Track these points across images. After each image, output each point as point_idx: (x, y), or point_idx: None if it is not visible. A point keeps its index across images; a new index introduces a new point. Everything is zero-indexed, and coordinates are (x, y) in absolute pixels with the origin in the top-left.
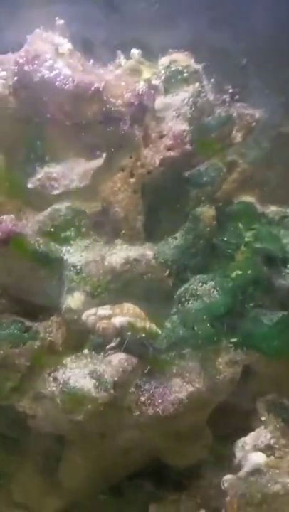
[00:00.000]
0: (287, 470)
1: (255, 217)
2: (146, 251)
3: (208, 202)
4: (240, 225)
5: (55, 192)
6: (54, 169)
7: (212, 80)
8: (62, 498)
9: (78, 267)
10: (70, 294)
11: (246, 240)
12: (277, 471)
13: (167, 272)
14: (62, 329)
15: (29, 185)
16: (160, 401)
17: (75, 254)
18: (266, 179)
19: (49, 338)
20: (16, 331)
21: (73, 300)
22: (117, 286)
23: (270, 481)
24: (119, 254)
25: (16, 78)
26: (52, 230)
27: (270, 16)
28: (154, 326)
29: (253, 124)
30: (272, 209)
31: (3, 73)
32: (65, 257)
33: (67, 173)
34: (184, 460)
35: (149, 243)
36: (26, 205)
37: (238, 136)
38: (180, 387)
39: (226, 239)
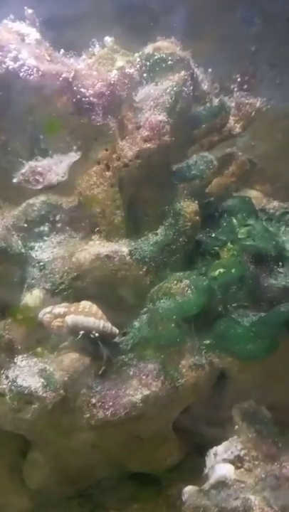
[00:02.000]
0: (252, 485)
1: (252, 213)
2: (121, 247)
3: (196, 196)
4: (235, 221)
5: (39, 186)
6: (40, 163)
7: (209, 70)
8: (29, 497)
9: (42, 264)
10: (29, 291)
11: (239, 236)
12: (242, 485)
13: (144, 269)
14: (21, 329)
15: (14, 180)
16: (111, 403)
17: (46, 250)
18: (278, 172)
19: (7, 336)
20: None
21: (31, 297)
22: (84, 284)
23: (231, 495)
24: (90, 250)
25: None
26: (25, 225)
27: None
28: (109, 325)
29: (253, 113)
30: (274, 204)
31: None
32: (34, 254)
33: (54, 167)
34: (146, 467)
35: (128, 239)
36: (4, 199)
37: (236, 127)
38: (135, 390)
39: (213, 235)
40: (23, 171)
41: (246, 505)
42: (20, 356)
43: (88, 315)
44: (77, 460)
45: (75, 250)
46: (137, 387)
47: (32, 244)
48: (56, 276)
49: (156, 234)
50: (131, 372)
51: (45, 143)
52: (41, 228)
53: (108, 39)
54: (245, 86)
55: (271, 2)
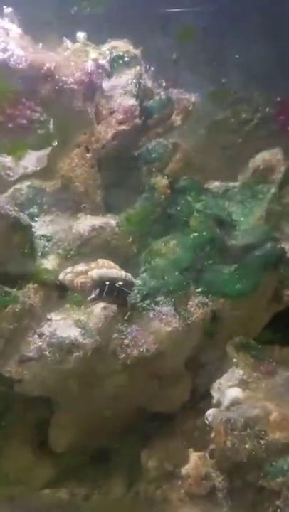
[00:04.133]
0: (263, 397)
1: (202, 191)
2: (109, 220)
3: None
4: (189, 198)
5: (11, 179)
6: (7, 159)
7: (151, 69)
8: (53, 466)
9: (48, 235)
10: (45, 257)
11: (197, 208)
12: (254, 399)
13: (130, 239)
14: (39, 294)
15: None
16: (143, 341)
17: (41, 228)
18: (206, 164)
19: (29, 302)
20: None
21: (49, 262)
22: (87, 251)
23: (249, 407)
24: (85, 222)
25: None
26: (16, 208)
27: (200, 12)
28: (129, 275)
29: (190, 107)
30: (216, 184)
31: None
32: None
33: (20, 162)
34: (168, 405)
35: (111, 214)
36: None
37: (177, 120)
38: (159, 329)
39: (179, 208)
40: None
41: (266, 411)
42: (52, 313)
43: (110, 268)
44: (104, 409)
45: (71, 224)
46: (160, 326)
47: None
48: (65, 243)
49: (135, 208)
50: (151, 315)
51: None
52: (31, 210)
53: (81, 34)
54: (170, 90)
55: (189, 14)
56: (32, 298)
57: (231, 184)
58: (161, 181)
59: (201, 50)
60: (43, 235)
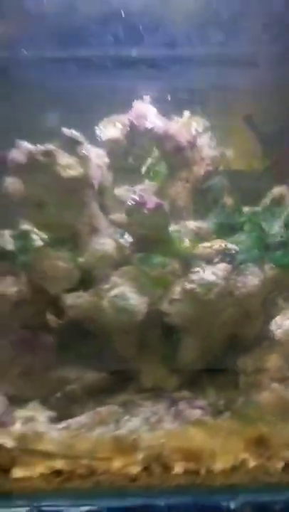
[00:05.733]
0: None
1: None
2: (202, 224)
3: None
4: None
5: None
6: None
7: None
8: (179, 377)
9: (177, 229)
10: (180, 240)
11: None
12: None
13: (214, 237)
14: (178, 262)
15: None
16: (248, 284)
17: None
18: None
19: (173, 266)
20: (160, 260)
21: (183, 243)
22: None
23: None
24: (190, 224)
25: (128, 128)
26: None
27: None
28: (237, 247)
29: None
30: (246, 209)
31: (121, 126)
32: None
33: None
34: (252, 331)
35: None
36: None
37: None
38: (252, 280)
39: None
40: None
41: None
42: (198, 267)
43: (225, 243)
44: (217, 332)
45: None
46: (253, 278)
47: None
48: (188, 234)
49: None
50: (247, 272)
51: None
52: None
53: (187, 113)
54: None
55: None
56: (174, 264)
57: (256, 208)
58: (229, 200)
59: None
60: (172, 230)
